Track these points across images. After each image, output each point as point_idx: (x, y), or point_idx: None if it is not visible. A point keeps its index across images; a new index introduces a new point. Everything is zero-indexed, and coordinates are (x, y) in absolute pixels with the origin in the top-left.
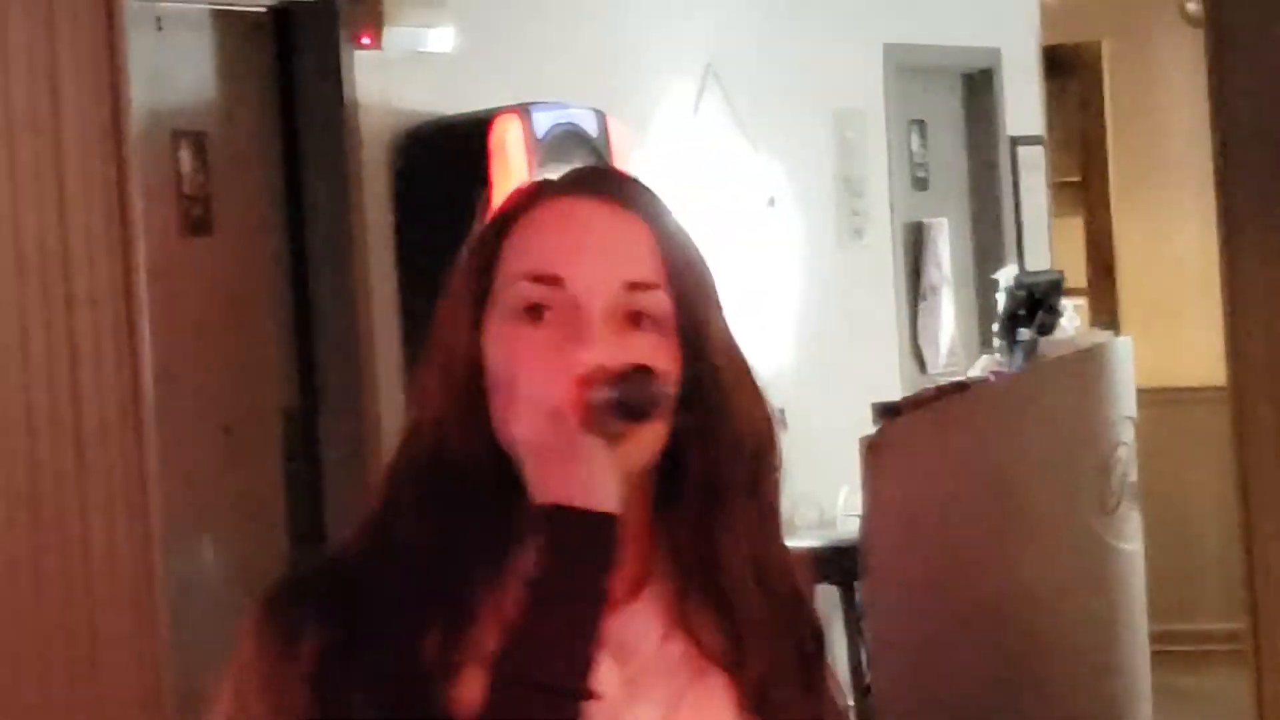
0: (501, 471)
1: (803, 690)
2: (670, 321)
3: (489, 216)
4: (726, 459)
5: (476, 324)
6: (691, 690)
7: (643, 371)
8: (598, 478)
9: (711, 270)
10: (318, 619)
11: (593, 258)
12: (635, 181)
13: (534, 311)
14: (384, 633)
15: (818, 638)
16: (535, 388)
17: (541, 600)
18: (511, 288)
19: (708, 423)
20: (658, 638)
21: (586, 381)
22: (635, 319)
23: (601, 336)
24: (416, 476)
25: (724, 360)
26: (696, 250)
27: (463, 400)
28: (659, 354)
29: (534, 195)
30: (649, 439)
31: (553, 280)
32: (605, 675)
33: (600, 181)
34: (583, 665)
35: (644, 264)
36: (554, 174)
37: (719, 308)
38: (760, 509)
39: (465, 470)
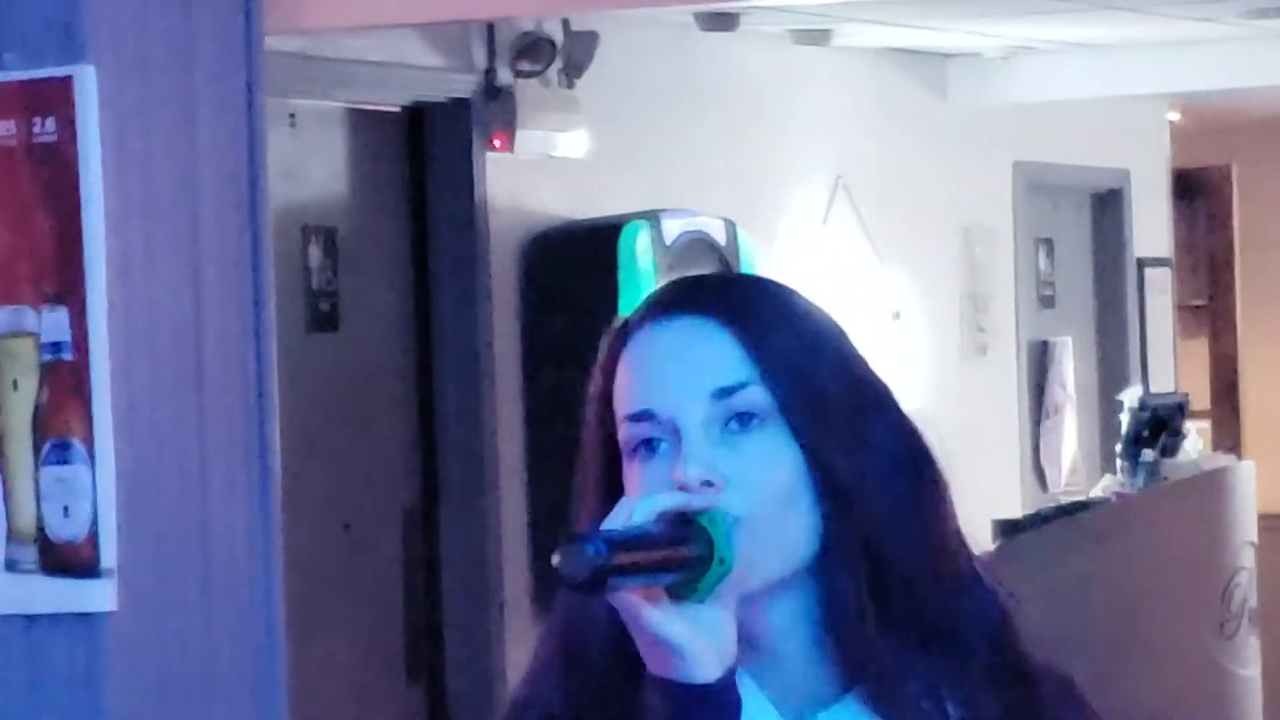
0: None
1: None
2: (775, 414)
3: (595, 372)
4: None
5: (609, 471)
6: None
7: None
8: (683, 645)
9: (832, 339)
10: None
11: (675, 379)
12: (716, 283)
13: (648, 446)
14: None
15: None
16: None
17: None
18: (621, 431)
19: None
20: None
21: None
22: (743, 421)
23: (700, 454)
24: (560, 637)
25: (845, 447)
26: (799, 328)
27: None
28: (772, 453)
29: (621, 338)
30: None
31: (646, 416)
32: None
33: (677, 299)
34: None
35: (728, 366)
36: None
37: (843, 378)
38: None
39: (595, 635)
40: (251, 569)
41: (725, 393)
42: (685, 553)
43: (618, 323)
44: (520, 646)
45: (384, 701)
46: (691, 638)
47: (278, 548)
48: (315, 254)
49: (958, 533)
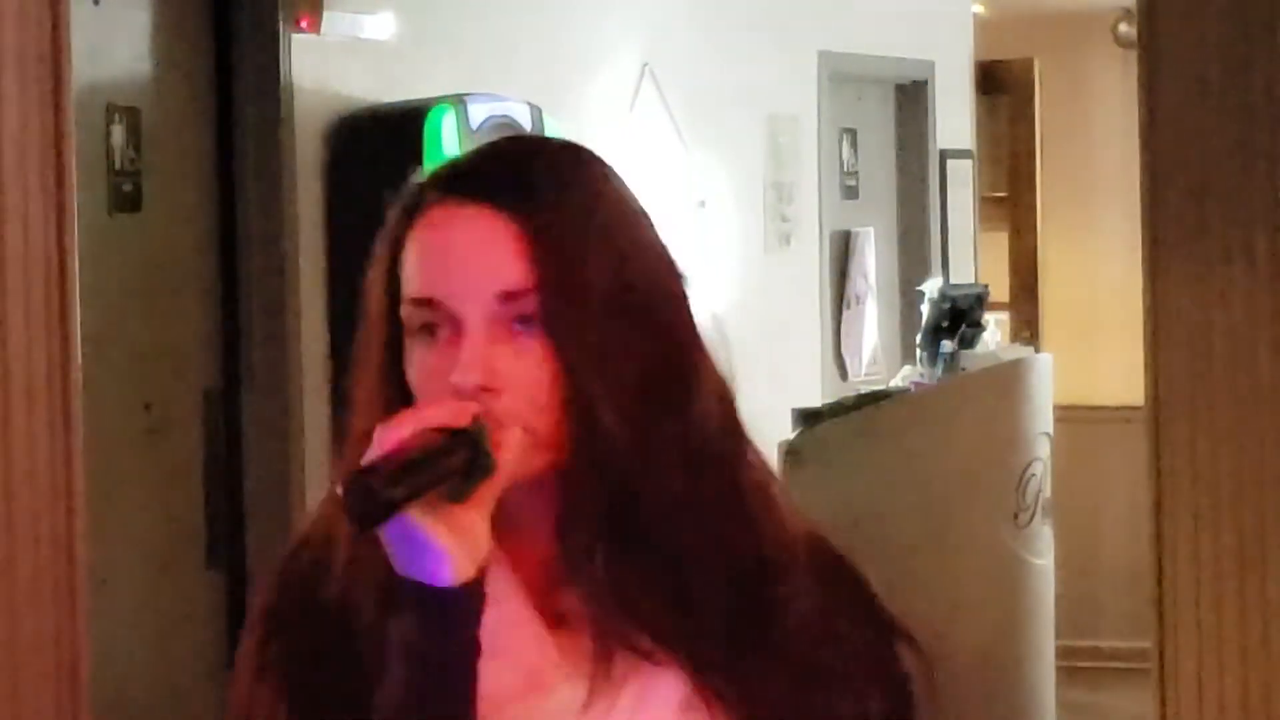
0: None
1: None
2: (540, 324)
3: (383, 240)
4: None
5: (393, 341)
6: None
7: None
8: (439, 544)
9: (620, 232)
10: (275, 668)
11: (461, 275)
12: (511, 163)
13: (429, 330)
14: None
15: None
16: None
17: (410, 662)
18: (404, 309)
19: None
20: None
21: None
22: (525, 321)
23: (479, 357)
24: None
25: (602, 358)
26: (584, 223)
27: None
28: (541, 360)
29: (414, 208)
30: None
31: (430, 303)
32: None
33: (475, 179)
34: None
35: (512, 271)
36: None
37: (618, 284)
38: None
39: None
40: (51, 450)
41: (508, 296)
42: (454, 464)
43: (410, 190)
44: None
45: (183, 584)
46: (445, 537)
47: (78, 430)
48: (118, 134)
49: (719, 447)
